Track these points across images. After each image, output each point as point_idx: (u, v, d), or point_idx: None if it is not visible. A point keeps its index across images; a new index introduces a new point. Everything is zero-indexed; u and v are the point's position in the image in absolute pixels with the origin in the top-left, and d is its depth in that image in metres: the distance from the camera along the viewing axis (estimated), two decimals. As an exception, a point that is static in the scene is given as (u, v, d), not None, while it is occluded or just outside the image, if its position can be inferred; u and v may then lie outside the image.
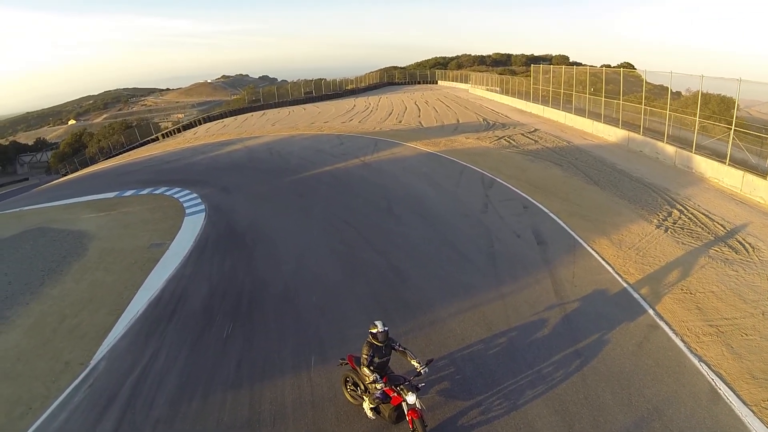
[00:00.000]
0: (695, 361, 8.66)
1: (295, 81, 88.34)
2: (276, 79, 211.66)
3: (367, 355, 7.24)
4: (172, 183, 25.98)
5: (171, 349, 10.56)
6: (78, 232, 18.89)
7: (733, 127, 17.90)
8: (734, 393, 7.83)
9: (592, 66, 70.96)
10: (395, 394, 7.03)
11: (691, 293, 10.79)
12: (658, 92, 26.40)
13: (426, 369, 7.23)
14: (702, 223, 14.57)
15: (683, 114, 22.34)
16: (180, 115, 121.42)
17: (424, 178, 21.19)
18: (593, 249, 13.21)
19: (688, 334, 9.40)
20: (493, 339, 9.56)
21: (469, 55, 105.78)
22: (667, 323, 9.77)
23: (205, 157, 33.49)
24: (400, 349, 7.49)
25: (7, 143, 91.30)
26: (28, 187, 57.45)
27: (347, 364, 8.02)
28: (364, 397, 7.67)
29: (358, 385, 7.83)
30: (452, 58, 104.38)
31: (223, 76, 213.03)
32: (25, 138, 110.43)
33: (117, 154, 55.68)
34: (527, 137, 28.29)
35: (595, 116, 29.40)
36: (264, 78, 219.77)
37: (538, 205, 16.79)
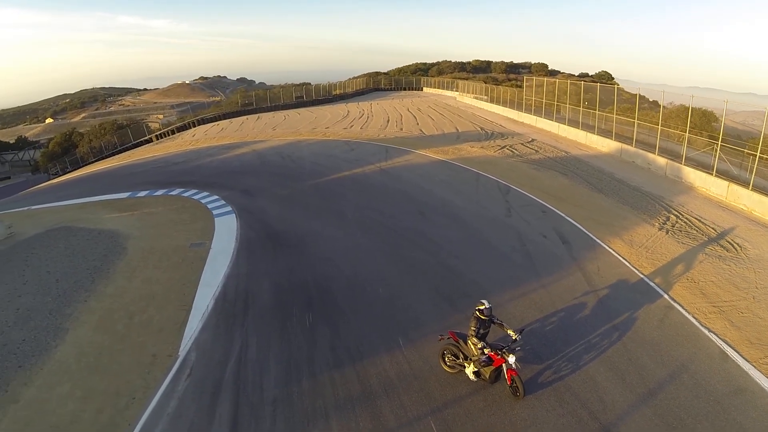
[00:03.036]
0: (706, 331, 11.16)
1: (283, 85, 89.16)
2: (254, 82, 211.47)
3: (474, 327, 9.26)
4: (185, 185, 25.83)
5: (259, 339, 11.25)
6: (109, 232, 18.27)
7: (719, 143, 20.24)
8: (738, 353, 10.36)
9: (571, 74, 74.93)
10: (498, 357, 9.07)
11: (695, 282, 13.34)
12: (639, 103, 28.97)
13: (520, 336, 9.32)
14: (696, 227, 17.16)
15: (667, 127, 24.76)
16: (160, 116, 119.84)
17: (443, 185, 22.63)
18: (610, 247, 15.59)
19: (697, 312, 11.92)
20: (546, 318, 11.77)
21: (450, 61, 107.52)
22: (680, 304, 12.27)
23: (213, 159, 33.59)
24: (498, 322, 9.50)
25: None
26: (12, 185, 55.99)
27: (449, 338, 9.91)
28: (465, 364, 9.58)
29: (458, 356, 9.74)
30: (433, 64, 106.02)
31: (201, 78, 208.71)
32: (1, 135, 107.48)
33: (110, 155, 55.11)
34: (527, 147, 30.49)
35: (587, 127, 31.57)
36: (242, 80, 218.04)
37: (554, 210, 18.96)
